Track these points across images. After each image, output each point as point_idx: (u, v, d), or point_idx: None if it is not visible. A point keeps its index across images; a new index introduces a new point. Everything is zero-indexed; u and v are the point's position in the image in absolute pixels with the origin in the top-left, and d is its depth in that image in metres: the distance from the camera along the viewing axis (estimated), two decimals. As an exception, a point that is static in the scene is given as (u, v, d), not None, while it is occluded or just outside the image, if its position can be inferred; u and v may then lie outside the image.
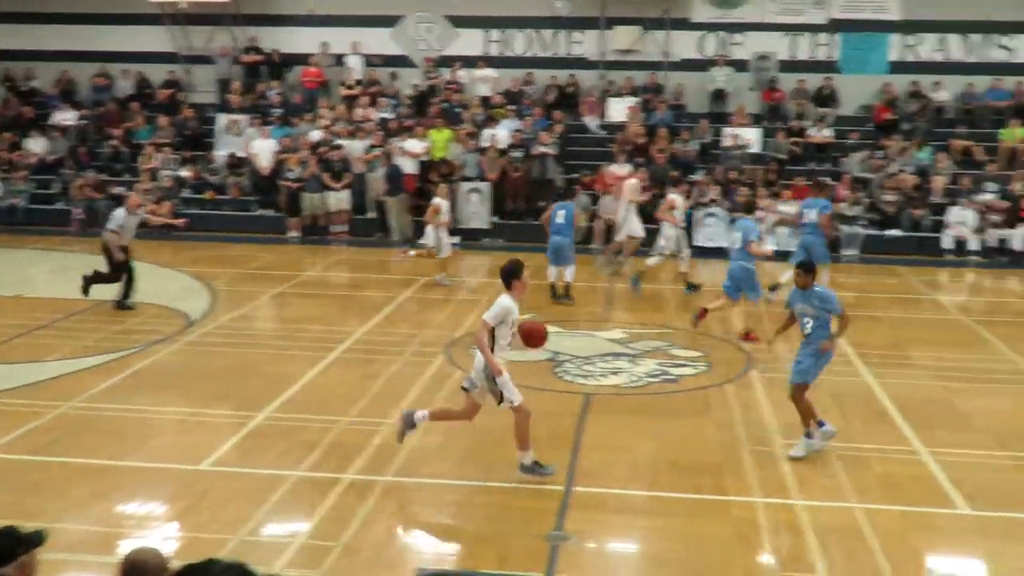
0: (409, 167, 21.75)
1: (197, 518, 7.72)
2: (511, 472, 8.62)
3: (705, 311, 13.82)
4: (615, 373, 11.84)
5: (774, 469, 8.87)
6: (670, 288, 17.31)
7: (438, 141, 22.19)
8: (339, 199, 21.71)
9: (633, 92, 24.20)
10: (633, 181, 18.14)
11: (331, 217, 21.79)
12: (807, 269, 9.45)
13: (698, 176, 21.68)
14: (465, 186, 21.61)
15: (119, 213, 14.81)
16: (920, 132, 22.49)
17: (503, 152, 21.95)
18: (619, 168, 21.57)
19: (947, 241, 20.11)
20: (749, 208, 15.71)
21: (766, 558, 7.29)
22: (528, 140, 22.12)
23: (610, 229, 19.75)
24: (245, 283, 16.96)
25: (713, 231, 20.48)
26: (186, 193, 22.59)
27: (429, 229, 17.04)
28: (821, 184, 17.23)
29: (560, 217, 15.63)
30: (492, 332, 8.29)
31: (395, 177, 21.19)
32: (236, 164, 22.99)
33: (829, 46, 24.18)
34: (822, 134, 22.85)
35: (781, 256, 18.29)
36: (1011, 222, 20.14)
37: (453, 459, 9.07)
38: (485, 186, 21.59)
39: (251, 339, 13.44)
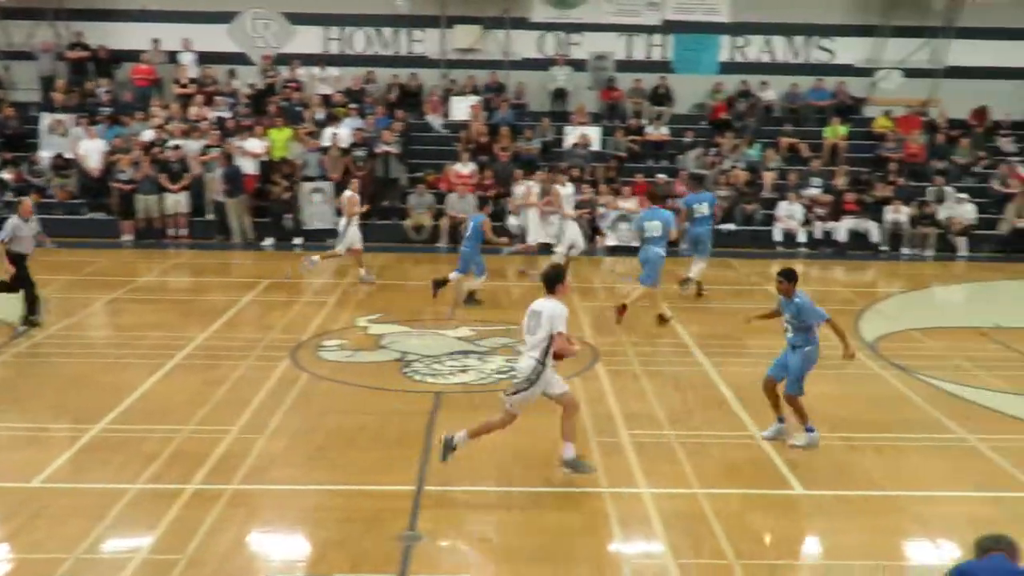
0: (249, 167, 21.26)
1: (30, 537, 7.34)
2: (360, 474, 8.55)
3: (624, 308, 14.15)
4: (464, 371, 11.88)
5: (620, 459, 9.09)
6: (516, 285, 17.49)
7: (278, 140, 21.77)
8: (176, 201, 21.02)
9: (475, 91, 24.35)
10: (529, 184, 18.20)
11: (168, 220, 21.07)
12: (789, 277, 9.53)
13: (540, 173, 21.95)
14: (307, 186, 21.26)
15: (12, 221, 13.63)
16: (750, 130, 23.44)
17: (346, 151, 21.72)
18: (463, 167, 21.68)
19: (777, 234, 21.03)
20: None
21: (615, 546, 7.47)
22: (371, 139, 21.96)
23: (456, 227, 19.82)
24: (77, 290, 16.22)
25: (552, 229, 20.72)
26: (8, 196, 21.39)
27: (342, 222, 16.93)
28: (698, 177, 17.70)
29: (467, 228, 15.68)
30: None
31: (234, 178, 20.67)
32: (63, 166, 21.94)
33: (663, 46, 24.93)
34: (659, 132, 23.53)
35: (626, 251, 18.80)
36: (835, 215, 21.22)
37: (300, 463, 8.93)
38: (328, 186, 21.30)
39: (85, 348, 12.86)
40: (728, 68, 24.67)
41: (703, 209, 16.01)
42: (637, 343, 13.33)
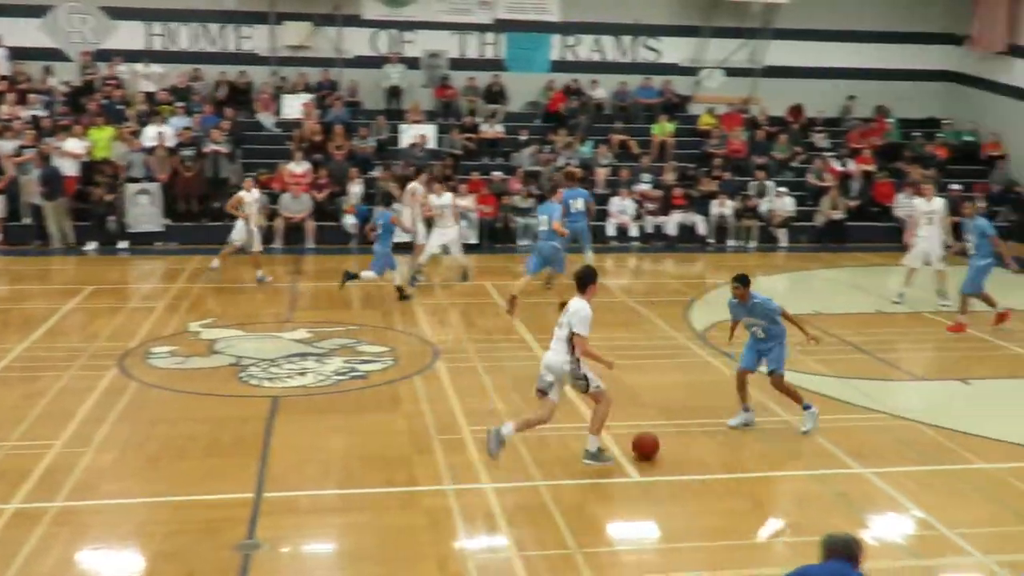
0: (69, 169, 20.25)
1: None
2: (194, 484, 8.28)
3: (515, 298, 14.47)
4: (302, 374, 11.66)
5: (463, 456, 9.11)
6: (356, 285, 17.30)
7: (99, 140, 20.82)
8: (-12, 205, 19.83)
9: (307, 89, 23.94)
10: (414, 185, 17.80)
11: (-21, 225, 19.85)
12: (743, 282, 9.78)
13: (376, 172, 21.80)
14: (132, 188, 20.42)
15: None
16: (582, 127, 23.89)
17: (172, 151, 20.98)
18: (297, 166, 21.29)
19: (610, 229, 21.52)
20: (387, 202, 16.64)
21: (459, 543, 7.48)
22: (199, 138, 21.28)
23: (290, 228, 19.42)
24: None
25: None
26: None
27: (239, 223, 16.55)
28: (571, 174, 17.85)
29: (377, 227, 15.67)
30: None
31: (53, 179, 19.65)
32: None
33: (496, 45, 25.12)
34: (494, 130, 23.71)
35: (465, 248, 18.76)
36: (665, 210, 21.88)
37: (131, 476, 8.58)
38: (155, 187, 20.53)
39: None
40: (560, 67, 25.08)
41: (578, 204, 16.41)
42: (477, 340, 13.39)
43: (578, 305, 8.60)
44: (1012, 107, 24.20)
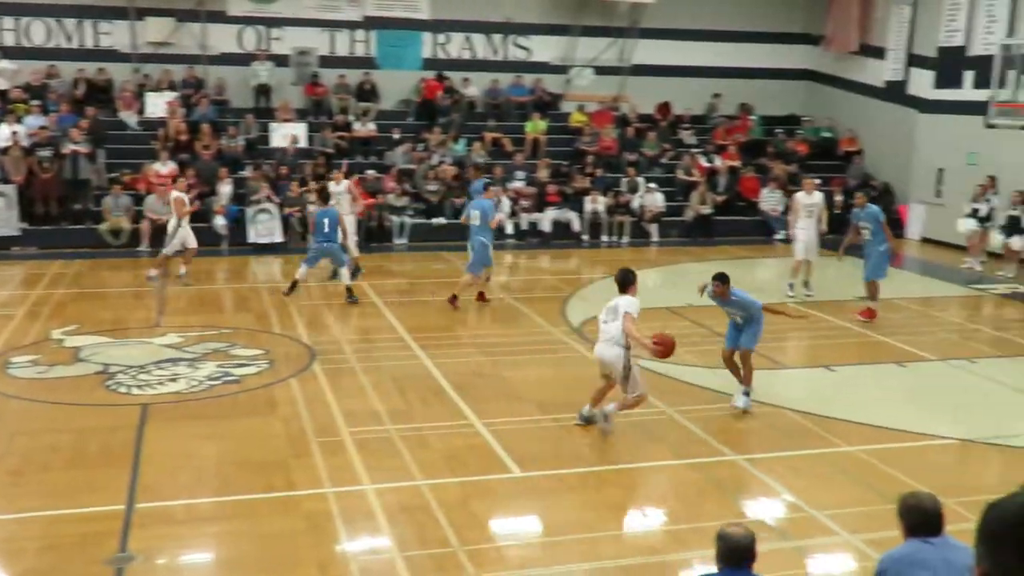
0: (-86, 171, 19.20)
1: None
2: (61, 497, 7.96)
3: (455, 297, 14.97)
4: (174, 380, 11.34)
5: (343, 458, 9.01)
6: (227, 287, 16.93)
7: (-52, 141, 19.81)
8: None
9: (172, 87, 23.27)
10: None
11: None
12: (723, 280, 10.43)
13: (247, 172, 21.37)
14: (-15, 190, 19.49)
15: None
16: (455, 125, 23.91)
17: (28, 151, 20.10)
18: (162, 166, 20.68)
19: (486, 226, 21.57)
20: (324, 199, 16.19)
21: (341, 546, 7.39)
22: (56, 138, 20.45)
23: (158, 231, 18.86)
24: None
25: (266, 227, 20.28)
26: None
27: (171, 223, 16.30)
28: (478, 167, 18.24)
29: (325, 226, 15.44)
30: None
31: None
32: None
33: (366, 42, 24.90)
34: (366, 128, 23.51)
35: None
36: (539, 206, 22.09)
37: (-7, 492, 8.18)
38: (10, 189, 19.64)
39: None
40: (431, 64, 25.03)
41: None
42: (353, 340, 13.26)
43: (627, 300, 9.51)
44: (865, 104, 25.31)
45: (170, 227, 16.58)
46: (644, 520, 8.04)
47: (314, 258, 15.65)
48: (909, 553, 4.85)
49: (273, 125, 22.99)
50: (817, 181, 22.28)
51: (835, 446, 9.59)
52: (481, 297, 15.54)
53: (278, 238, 20.25)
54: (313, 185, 18.11)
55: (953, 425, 10.38)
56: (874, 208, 15.03)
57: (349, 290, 15.39)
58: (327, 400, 10.67)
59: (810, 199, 16.32)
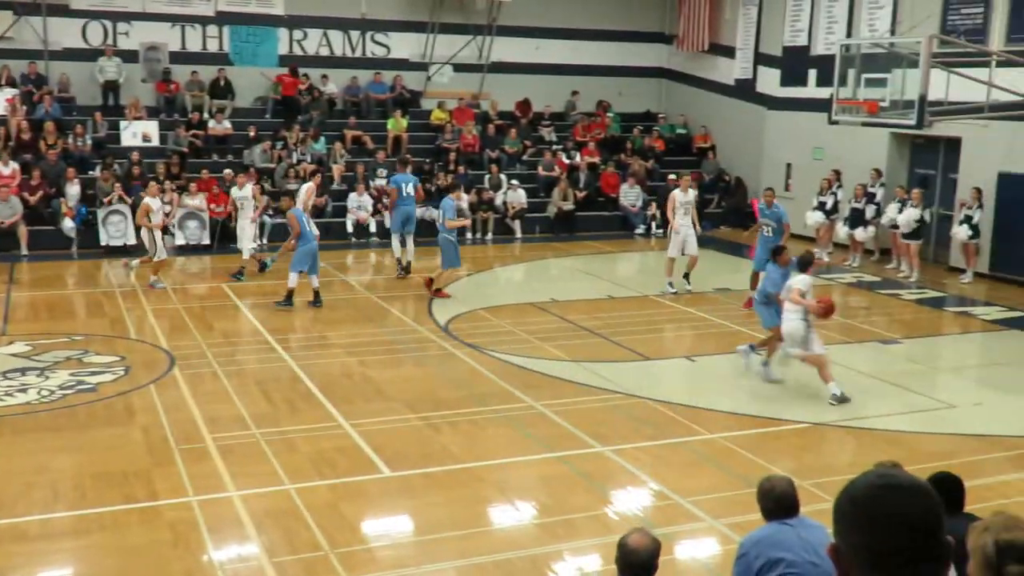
0: None
1: None
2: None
3: (431, 280, 15.73)
4: (23, 390, 10.84)
5: (207, 465, 8.80)
6: (78, 292, 16.28)
7: None
8: None
9: (11, 83, 22.18)
10: (308, 186, 17.38)
11: None
12: (777, 252, 12.04)
13: (96, 172, 20.57)
14: None
15: None
16: (315, 123, 23.58)
17: None
18: (3, 167, 19.73)
19: (349, 225, 21.38)
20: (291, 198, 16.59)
21: (207, 555, 7.22)
22: None
23: (2, 234, 17.97)
24: None
25: (118, 229, 19.57)
26: None
27: (143, 233, 15.91)
28: (404, 160, 18.72)
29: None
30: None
31: None
32: None
33: (220, 38, 24.30)
34: (222, 126, 22.95)
35: (195, 250, 18.16)
36: (402, 204, 21.96)
37: None
38: None
39: None
40: (287, 61, 24.57)
41: (409, 189, 17.42)
42: (215, 344, 12.95)
43: (801, 277, 11.03)
44: (717, 102, 26.14)
45: (144, 236, 16.30)
46: (515, 515, 8.12)
47: (304, 261, 15.10)
48: (768, 535, 5.05)
49: (123, 123, 22.19)
50: (673, 177, 22.90)
51: (698, 434, 9.89)
52: (429, 284, 15.89)
53: (131, 240, 19.57)
54: (240, 178, 18.00)
55: (808, 410, 10.84)
56: (781, 208, 15.60)
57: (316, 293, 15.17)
58: (189, 406, 10.39)
59: (686, 197, 16.71)
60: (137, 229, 17.44)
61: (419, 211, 21.88)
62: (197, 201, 19.98)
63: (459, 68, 25.70)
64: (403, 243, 17.70)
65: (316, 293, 15.09)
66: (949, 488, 5.20)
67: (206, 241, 19.94)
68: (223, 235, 19.83)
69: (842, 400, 10.82)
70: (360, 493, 8.39)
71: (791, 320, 10.95)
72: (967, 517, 5.03)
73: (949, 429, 10.25)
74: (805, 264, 11.32)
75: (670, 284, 16.54)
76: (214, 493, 8.22)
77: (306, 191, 17.35)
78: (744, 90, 25.04)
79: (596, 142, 25.28)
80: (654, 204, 23.48)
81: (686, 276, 16.64)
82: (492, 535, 7.74)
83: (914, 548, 2.07)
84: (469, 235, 22.13)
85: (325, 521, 7.69)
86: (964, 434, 10.11)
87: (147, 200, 16.15)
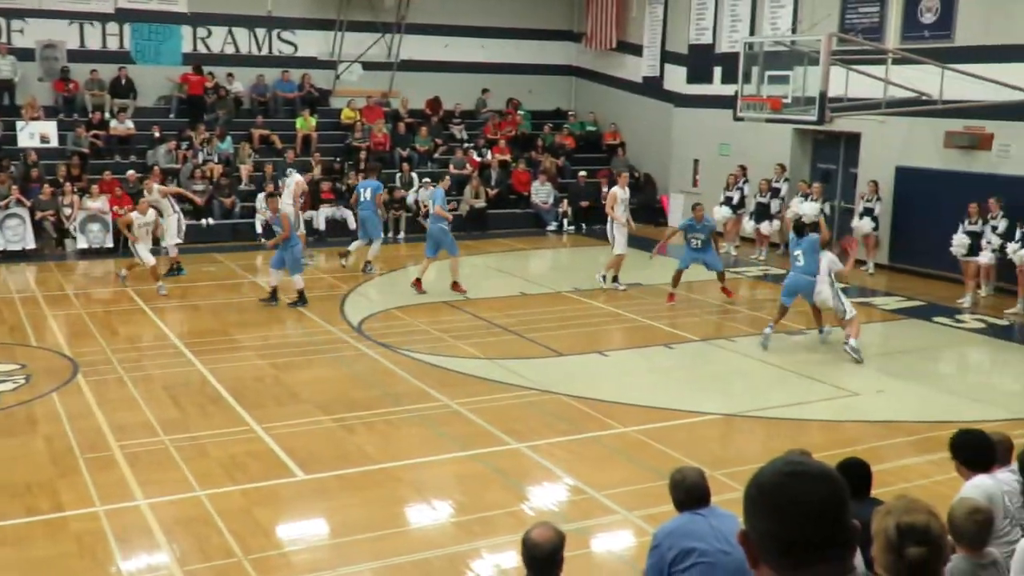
0: None
1: None
2: None
3: (419, 280, 15.94)
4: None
5: (114, 473, 8.58)
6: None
7: None
8: None
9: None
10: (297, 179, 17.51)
11: None
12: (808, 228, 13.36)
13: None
14: None
15: None
16: (221, 122, 23.16)
17: None
18: None
19: (258, 226, 21.02)
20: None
21: (115, 566, 7.04)
22: None
23: None
24: None
25: (15, 233, 18.95)
26: None
27: (131, 244, 15.78)
28: (371, 168, 18.99)
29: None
30: None
31: None
32: None
33: (120, 36, 23.69)
34: (125, 126, 22.38)
35: (98, 253, 17.70)
36: (313, 204, 21.70)
37: None
38: None
39: None
40: (192, 59, 24.08)
41: (366, 194, 17.66)
42: (120, 349, 12.63)
43: (828, 256, 12.68)
44: (626, 99, 26.41)
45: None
46: (431, 514, 8.09)
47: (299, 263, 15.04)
48: (680, 525, 5.13)
49: (19, 123, 21.48)
50: (584, 174, 23.06)
51: (611, 428, 9.99)
52: (417, 284, 16.05)
53: (30, 244, 18.99)
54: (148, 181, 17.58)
55: (718, 401, 11.03)
56: (711, 221, 16.30)
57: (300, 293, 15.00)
58: (94, 414, 10.11)
59: (625, 193, 16.81)
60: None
61: (329, 211, 21.74)
62: (99, 203, 19.45)
63: (368, 66, 25.50)
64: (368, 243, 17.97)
65: (300, 293, 15.01)
66: (856, 473, 5.34)
67: (109, 244, 19.44)
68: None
69: (858, 360, 12.35)
70: (273, 497, 8.27)
71: (824, 290, 12.69)
72: (873, 502, 5.18)
73: (854, 416, 10.54)
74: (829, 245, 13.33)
75: (603, 277, 16.63)
76: (121, 502, 8.02)
77: (296, 185, 17.84)
78: (652, 88, 25.36)
79: (507, 140, 25.36)
80: (566, 201, 23.65)
81: (615, 278, 16.62)
82: (409, 535, 7.71)
83: (820, 534, 2.11)
84: (381, 234, 21.92)
85: (238, 527, 7.57)
86: (868, 421, 10.40)
87: (132, 215, 16.09)
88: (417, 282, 16.04)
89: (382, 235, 18.43)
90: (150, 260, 15.87)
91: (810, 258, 12.81)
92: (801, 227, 13.60)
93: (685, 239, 15.74)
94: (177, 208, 17.69)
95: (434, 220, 16.21)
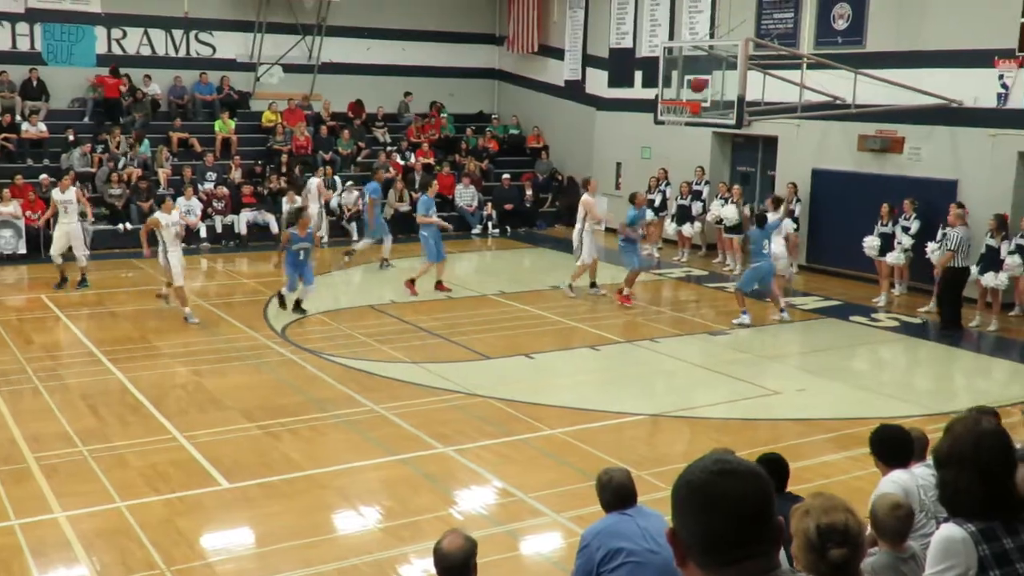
0: None
1: None
2: None
3: (412, 281, 16.13)
4: None
5: (29, 486, 8.34)
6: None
7: None
8: None
9: None
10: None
11: None
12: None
13: None
14: None
15: None
16: (138, 125, 22.68)
17: None
18: None
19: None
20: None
21: (33, 581, 6.85)
22: None
23: None
24: None
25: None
26: None
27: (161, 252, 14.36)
28: (374, 168, 19.74)
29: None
30: None
31: None
32: None
33: (31, 36, 23.05)
34: (36, 129, 21.77)
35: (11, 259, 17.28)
36: (234, 208, 21.41)
37: None
38: None
39: None
40: (106, 61, 23.50)
41: (365, 198, 18.70)
42: (35, 358, 12.28)
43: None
44: (549, 102, 26.55)
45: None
46: (359, 520, 8.03)
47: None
48: (608, 525, 5.17)
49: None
50: (507, 176, 23.14)
51: (539, 430, 10.02)
52: (410, 285, 16.24)
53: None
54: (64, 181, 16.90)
55: (643, 401, 11.14)
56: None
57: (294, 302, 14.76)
58: (8, 425, 9.82)
59: (601, 204, 16.86)
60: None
61: (250, 215, 21.45)
62: (11, 208, 18.91)
63: (289, 69, 25.20)
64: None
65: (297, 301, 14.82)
66: (773, 469, 5.45)
67: (22, 250, 18.90)
68: (43, 243, 18.81)
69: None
70: (197, 507, 8.13)
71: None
72: (790, 497, 5.29)
73: (775, 415, 10.73)
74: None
75: (592, 284, 16.56)
76: (38, 515, 7.80)
77: (317, 187, 18.43)
78: (574, 91, 25.53)
79: (430, 143, 25.30)
80: (489, 204, 23.68)
81: (592, 283, 16.60)
82: (336, 542, 7.63)
83: (748, 531, 2.15)
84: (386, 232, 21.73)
85: (161, 538, 7.42)
86: (789, 419, 10.60)
87: (157, 215, 14.47)
88: (438, 283, 16.53)
89: (387, 232, 18.86)
90: (179, 277, 13.95)
91: (775, 240, 14.09)
92: (763, 218, 14.28)
93: (629, 233, 15.84)
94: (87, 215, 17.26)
95: (425, 227, 16.45)
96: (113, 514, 7.84)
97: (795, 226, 18.65)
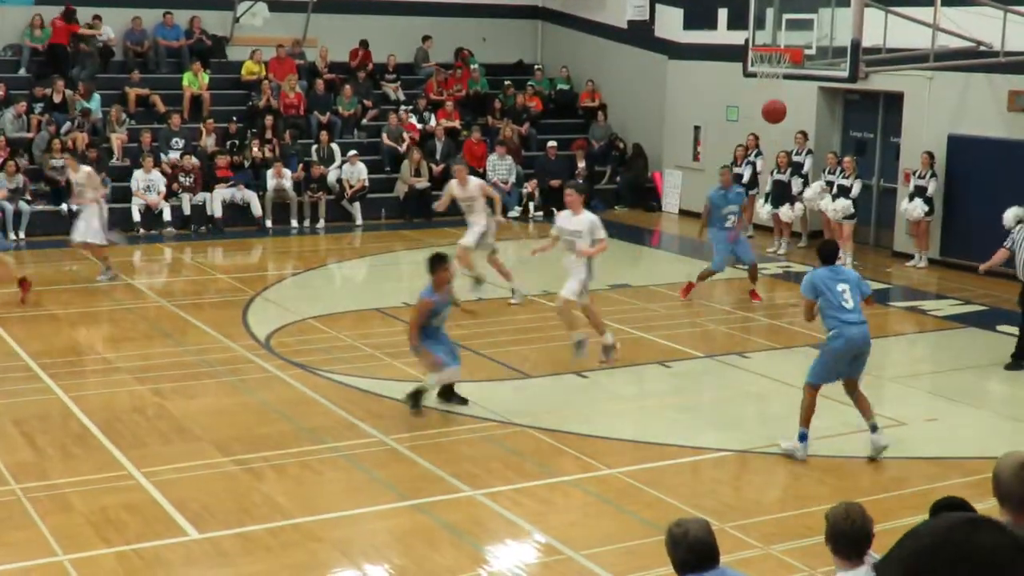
0: None
1: None
2: None
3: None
4: None
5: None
6: None
7: None
8: None
9: None
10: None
11: None
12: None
13: None
14: None
15: None
16: (85, 77, 22.88)
17: None
18: None
19: (135, 212, 20.81)
20: None
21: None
22: None
23: None
24: None
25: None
26: None
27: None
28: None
29: None
30: None
31: None
32: None
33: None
34: (-41, 84, 22.13)
35: None
36: (206, 184, 21.54)
37: None
38: None
39: None
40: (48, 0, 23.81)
41: None
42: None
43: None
44: (606, 49, 26.46)
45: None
46: (362, 581, 8.08)
47: None
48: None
49: None
50: (553, 144, 23.08)
51: (593, 470, 10.00)
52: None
53: None
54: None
55: (728, 434, 11.07)
56: (742, 190, 17.10)
57: None
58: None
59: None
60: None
61: (226, 192, 21.61)
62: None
63: (275, 7, 25.32)
64: None
65: None
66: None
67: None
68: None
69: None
70: (157, 562, 8.20)
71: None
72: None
73: (899, 451, 10.62)
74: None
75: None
76: (-37, 571, 7.93)
77: None
78: (639, 34, 25.48)
79: (455, 101, 25.35)
80: (532, 180, 23.66)
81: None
82: (333, 610, 7.67)
83: None
84: (295, 222, 21.84)
85: (111, 601, 7.50)
86: (916, 457, 10.50)
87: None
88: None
89: None
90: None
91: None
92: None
93: (713, 219, 15.79)
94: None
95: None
96: (54, 569, 7.94)
97: (927, 208, 18.35)
